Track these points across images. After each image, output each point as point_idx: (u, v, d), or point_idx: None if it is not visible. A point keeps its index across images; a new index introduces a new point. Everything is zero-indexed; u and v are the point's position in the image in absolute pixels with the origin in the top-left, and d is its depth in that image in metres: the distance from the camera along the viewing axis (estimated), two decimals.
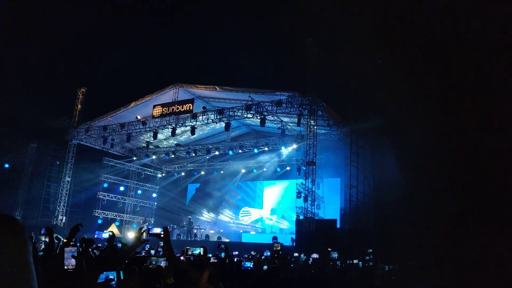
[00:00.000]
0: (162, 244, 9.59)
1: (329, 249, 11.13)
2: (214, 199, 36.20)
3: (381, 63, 22.60)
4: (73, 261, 4.13)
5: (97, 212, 31.08)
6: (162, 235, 5.20)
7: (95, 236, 7.17)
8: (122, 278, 4.18)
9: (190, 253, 6.61)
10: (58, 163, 31.12)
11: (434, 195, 20.68)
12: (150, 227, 6.32)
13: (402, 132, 22.52)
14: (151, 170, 35.70)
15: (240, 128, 30.62)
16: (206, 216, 35.71)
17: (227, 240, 28.00)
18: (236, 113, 23.60)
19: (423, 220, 20.21)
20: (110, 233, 7.17)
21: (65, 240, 5.52)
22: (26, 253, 1.56)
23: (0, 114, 28.60)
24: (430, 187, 20.91)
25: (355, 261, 13.31)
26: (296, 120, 23.05)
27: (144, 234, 5.85)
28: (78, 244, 5.84)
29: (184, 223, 29.90)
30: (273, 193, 33.03)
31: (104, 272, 4.15)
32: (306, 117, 22.42)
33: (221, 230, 32.68)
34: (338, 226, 21.87)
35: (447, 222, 19.34)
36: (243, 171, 32.96)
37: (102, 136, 28.86)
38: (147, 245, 9.79)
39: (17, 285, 1.48)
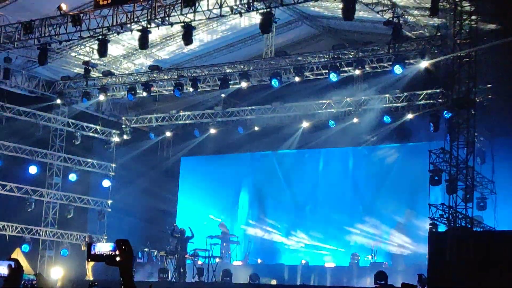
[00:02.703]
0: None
1: None
2: (240, 192, 36.60)
3: None
4: None
5: None
6: (118, 258, 5.35)
7: None
8: None
9: None
10: None
11: None
12: (94, 244, 6.36)
13: None
14: (98, 128, 35.92)
15: (295, 25, 30.27)
16: (222, 228, 35.87)
17: (274, 282, 28.14)
18: None
19: None
20: (13, 264, 7.30)
21: None
22: None
23: None
24: None
25: None
26: (428, 2, 22.59)
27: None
28: None
29: (170, 241, 30.13)
30: (376, 173, 33.19)
31: None
32: None
33: (259, 261, 32.90)
34: None
35: None
36: (305, 125, 32.77)
37: None
38: None
39: None
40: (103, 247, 5.39)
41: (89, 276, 29.32)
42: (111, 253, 5.34)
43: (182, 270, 29.13)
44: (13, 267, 7.09)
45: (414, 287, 12.20)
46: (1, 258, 29.49)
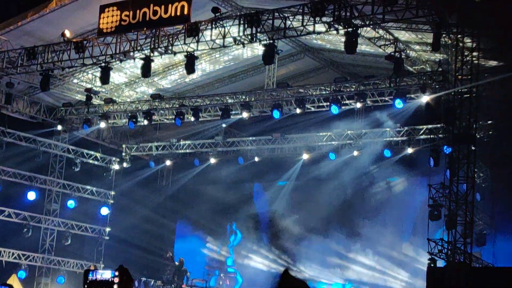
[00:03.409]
0: None
1: None
2: (238, 222, 36.64)
3: None
4: None
5: None
6: (115, 286, 5.34)
7: None
8: None
9: None
10: None
11: None
12: (91, 272, 6.32)
13: None
14: (98, 155, 36.07)
15: (298, 57, 30.51)
16: (219, 257, 35.85)
17: None
18: (289, 22, 23.40)
19: None
20: None
21: None
22: None
23: None
24: None
25: None
26: (430, 38, 22.67)
27: None
28: None
29: (168, 271, 30.19)
30: (375, 207, 33.01)
31: None
32: (455, 31, 22.06)
33: None
34: None
35: None
36: (305, 156, 32.97)
37: None
38: None
39: None
40: (104, 274, 5.45)
41: None
42: (110, 280, 5.39)
43: None
44: None
45: None
46: None
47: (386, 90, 26.79)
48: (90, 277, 5.45)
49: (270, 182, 35.40)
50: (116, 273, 5.32)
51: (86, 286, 5.50)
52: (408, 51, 25.81)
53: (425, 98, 25.71)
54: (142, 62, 25.75)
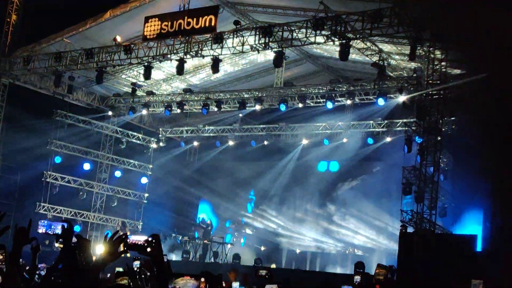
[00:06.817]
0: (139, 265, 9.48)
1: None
2: (249, 192, 36.73)
3: None
4: None
5: (43, 207, 31.77)
6: (149, 249, 5.11)
7: (43, 231, 7.04)
8: None
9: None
10: None
11: None
12: (129, 235, 5.97)
13: None
14: (140, 135, 36.16)
15: (301, 62, 30.44)
16: (236, 222, 36.02)
17: (273, 266, 28.19)
18: (295, 34, 23.42)
19: None
20: (66, 225, 6.93)
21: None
22: None
23: None
24: None
25: None
26: (407, 49, 22.65)
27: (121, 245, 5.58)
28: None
29: (197, 228, 30.50)
30: (360, 184, 32.96)
31: None
32: (428, 45, 22.09)
33: (262, 248, 32.96)
34: (479, 248, 21.64)
35: None
36: (305, 141, 32.96)
37: (53, 71, 29.06)
38: (135, 263, 9.61)
39: None
40: (138, 239, 5.24)
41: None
42: (143, 244, 5.15)
43: (207, 250, 29.87)
44: (66, 227, 6.96)
45: (387, 267, 12.15)
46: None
47: (371, 91, 26.85)
48: (129, 240, 5.06)
49: (277, 161, 35.33)
50: (149, 239, 5.03)
51: (126, 248, 5.02)
52: (389, 60, 25.94)
53: (402, 98, 25.74)
54: (177, 63, 25.91)
